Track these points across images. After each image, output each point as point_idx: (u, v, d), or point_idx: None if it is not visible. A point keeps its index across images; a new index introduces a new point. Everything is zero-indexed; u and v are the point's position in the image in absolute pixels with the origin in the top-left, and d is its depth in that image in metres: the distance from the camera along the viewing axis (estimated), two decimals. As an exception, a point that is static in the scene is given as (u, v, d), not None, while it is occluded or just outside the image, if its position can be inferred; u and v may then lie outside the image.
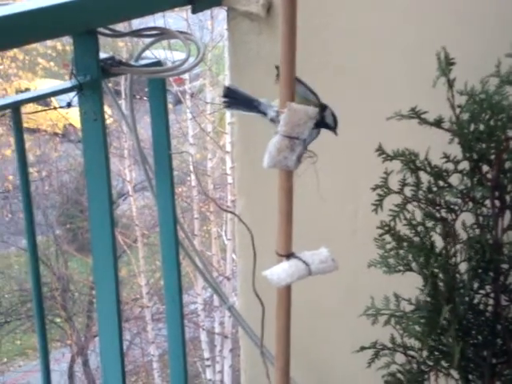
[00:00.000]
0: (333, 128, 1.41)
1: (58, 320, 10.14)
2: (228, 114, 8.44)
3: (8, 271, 10.50)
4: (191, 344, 9.59)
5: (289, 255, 1.42)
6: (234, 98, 1.45)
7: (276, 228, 1.42)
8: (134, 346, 10.11)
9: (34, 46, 10.25)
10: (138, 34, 1.88)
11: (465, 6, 1.65)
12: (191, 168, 8.99)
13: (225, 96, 1.45)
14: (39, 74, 11.48)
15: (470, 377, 1.48)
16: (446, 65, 1.39)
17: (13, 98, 1.65)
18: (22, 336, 10.28)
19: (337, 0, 1.76)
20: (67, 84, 1.66)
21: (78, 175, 10.42)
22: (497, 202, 1.43)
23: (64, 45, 10.69)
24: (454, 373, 1.48)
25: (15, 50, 9.84)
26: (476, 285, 1.47)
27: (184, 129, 9.36)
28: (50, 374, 1.77)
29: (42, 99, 1.71)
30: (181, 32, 1.81)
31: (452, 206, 1.46)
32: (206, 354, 9.18)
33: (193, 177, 9.09)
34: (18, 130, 1.64)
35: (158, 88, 1.85)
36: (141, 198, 10.04)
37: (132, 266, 9.80)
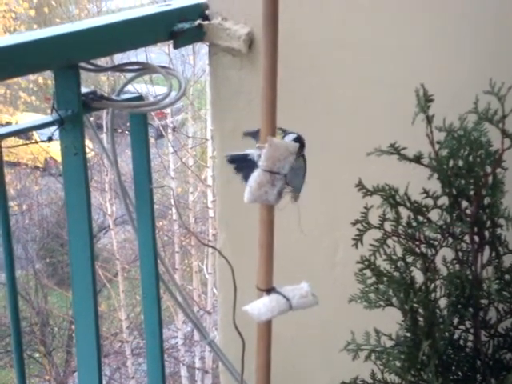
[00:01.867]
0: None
1: (36, 355, 10.03)
2: (209, 147, 8.46)
3: (-13, 305, 10.40)
4: (171, 379, 9.52)
5: (269, 290, 1.42)
6: (239, 165, 1.43)
7: (257, 262, 1.43)
8: (113, 382, 10.02)
9: (15, 80, 10.25)
10: (119, 68, 1.89)
11: (442, 43, 1.67)
12: (172, 202, 8.99)
13: (236, 170, 1.43)
14: (20, 107, 11.47)
15: (451, 412, 1.48)
16: (425, 101, 1.40)
17: (-6, 131, 1.65)
18: (0, 371, 10.16)
19: (318, 38, 1.77)
20: (48, 118, 1.66)
21: (59, 209, 10.38)
22: (476, 238, 1.44)
23: (46, 78, 10.70)
24: (435, 408, 1.48)
25: (-3, 83, 9.85)
26: (456, 320, 1.47)
27: (165, 162, 9.37)
28: (27, 410, 1.75)
29: (23, 133, 1.71)
30: (162, 67, 1.83)
31: (432, 242, 1.46)
32: (187, 390, 9.10)
33: (174, 210, 9.07)
34: (-1, 163, 1.64)
35: (139, 122, 1.86)
36: (121, 232, 10.01)
37: (112, 301, 9.73)
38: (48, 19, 11.47)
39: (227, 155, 1.44)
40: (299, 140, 1.37)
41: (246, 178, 1.40)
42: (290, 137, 1.37)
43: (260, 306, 1.41)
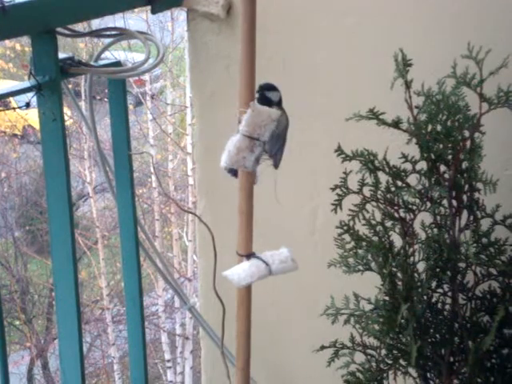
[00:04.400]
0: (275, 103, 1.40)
1: (17, 322, 10.03)
2: (189, 115, 8.43)
3: (-34, 274, 10.37)
4: (152, 346, 9.55)
5: (249, 255, 1.43)
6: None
7: (236, 228, 1.43)
8: (94, 348, 10.04)
9: (-8, 46, 10.15)
10: (97, 34, 1.87)
11: (421, 8, 1.67)
12: (152, 169, 8.96)
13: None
14: (-3, 75, 11.36)
15: (428, 375, 1.50)
16: (404, 66, 1.40)
17: (-30, 97, 1.63)
18: (-19, 339, 10.14)
19: (298, 3, 1.77)
20: (26, 84, 1.65)
21: (38, 177, 10.32)
22: (454, 202, 1.45)
23: (23, 46, 10.59)
24: (412, 371, 1.50)
25: (-27, 50, 9.74)
26: (434, 284, 1.49)
27: (144, 130, 9.32)
28: (8, 377, 1.75)
29: (1, 99, 1.70)
30: (141, 32, 1.81)
31: (410, 206, 1.47)
32: (167, 356, 9.14)
33: (153, 178, 9.05)
34: (-24, 130, 1.62)
35: (118, 89, 1.84)
36: (101, 200, 9.97)
37: (92, 268, 9.73)
38: (24, -15, 11.32)
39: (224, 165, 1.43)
40: (270, 85, 1.37)
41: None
42: (273, 94, 1.37)
43: (240, 272, 1.41)
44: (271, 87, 1.38)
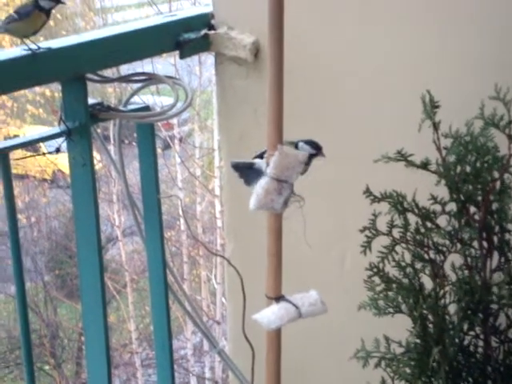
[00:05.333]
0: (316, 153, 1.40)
1: (46, 367, 10.03)
2: (217, 158, 8.47)
3: (-4, 318, 10.41)
4: (181, 390, 9.50)
5: (278, 298, 1.42)
6: (244, 171, 1.43)
7: (265, 271, 1.43)
8: (123, 393, 10.00)
9: (22, 92, 10.28)
10: (126, 79, 1.90)
11: (448, 50, 1.67)
12: (180, 212, 8.98)
13: (240, 175, 1.43)
14: (28, 120, 11.49)
15: (462, 419, 1.48)
16: (431, 108, 1.40)
17: (1, 143, 1.66)
18: (11, 384, 10.16)
19: (325, 44, 1.78)
20: (56, 129, 1.67)
21: (67, 221, 10.37)
22: (484, 243, 1.44)
23: (53, 91, 10.72)
24: (446, 415, 1.48)
25: (3, 96, 9.87)
26: (466, 326, 1.47)
27: (173, 173, 9.37)
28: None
29: (31, 145, 1.73)
30: (169, 77, 1.83)
31: (440, 248, 1.46)
32: (197, 400, 9.09)
33: (182, 221, 9.07)
34: (7, 176, 1.64)
35: (146, 133, 1.86)
36: (130, 243, 10.00)
37: (121, 312, 9.72)
38: (54, 32, 11.51)
39: (232, 161, 1.44)
40: (315, 144, 1.38)
41: (248, 182, 1.40)
42: (303, 142, 1.38)
43: (269, 315, 1.40)
44: (317, 145, 1.39)
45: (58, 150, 1.70)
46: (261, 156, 1.40)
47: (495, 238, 1.44)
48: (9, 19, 1.63)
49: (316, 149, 1.39)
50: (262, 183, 1.36)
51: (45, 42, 1.61)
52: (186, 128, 10.12)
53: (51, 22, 11.79)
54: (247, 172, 1.40)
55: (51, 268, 10.65)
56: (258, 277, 1.46)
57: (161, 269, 1.92)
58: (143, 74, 1.86)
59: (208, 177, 9.50)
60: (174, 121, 8.82)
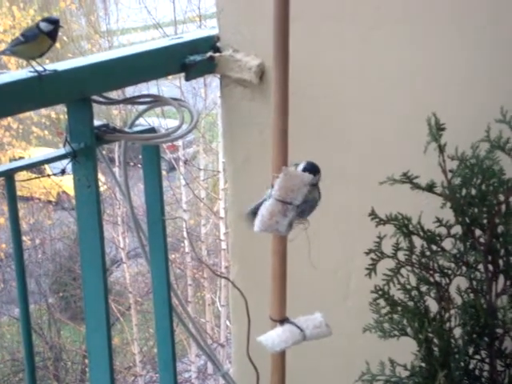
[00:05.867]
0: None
1: (50, 390, 9.99)
2: (221, 180, 8.47)
3: (0, 341, 10.37)
4: (185, 413, 9.45)
5: (283, 320, 1.42)
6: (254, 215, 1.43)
7: (270, 293, 1.42)
8: (127, 416, 9.95)
9: (27, 114, 10.30)
10: (132, 101, 1.90)
11: (454, 72, 1.67)
12: (185, 234, 8.98)
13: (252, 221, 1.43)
14: (33, 142, 11.52)
15: None
16: (437, 130, 1.41)
17: (6, 165, 1.66)
18: (14, 407, 10.12)
19: (330, 66, 1.78)
20: (61, 151, 1.67)
21: (72, 243, 10.37)
22: (490, 267, 1.43)
23: (58, 113, 10.76)
24: None
25: (9, 118, 9.91)
26: (471, 350, 1.46)
27: (177, 195, 9.38)
28: None
29: (37, 166, 1.73)
30: (174, 99, 1.84)
31: (445, 271, 1.46)
32: (201, 423, 9.04)
33: (186, 243, 9.07)
34: (12, 198, 1.64)
35: (151, 154, 1.86)
36: (134, 265, 9.99)
37: (125, 334, 9.70)
38: (60, 54, 11.56)
39: (246, 212, 1.42)
40: (313, 167, 1.37)
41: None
42: (302, 165, 1.37)
43: (274, 337, 1.40)
44: (316, 168, 1.38)
45: (63, 172, 1.70)
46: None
47: (501, 262, 1.43)
48: (15, 42, 1.64)
49: (313, 171, 1.37)
50: (266, 205, 1.35)
51: (51, 65, 1.61)
52: (191, 150, 10.14)
53: (57, 45, 11.86)
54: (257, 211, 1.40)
55: (55, 290, 10.63)
56: (262, 299, 1.46)
57: (165, 291, 1.92)
58: (149, 95, 1.86)
59: (213, 199, 9.50)
60: (179, 143, 8.84)
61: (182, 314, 2.17)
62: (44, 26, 1.62)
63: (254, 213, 1.40)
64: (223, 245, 8.67)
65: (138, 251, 8.43)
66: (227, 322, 8.45)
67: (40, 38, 1.61)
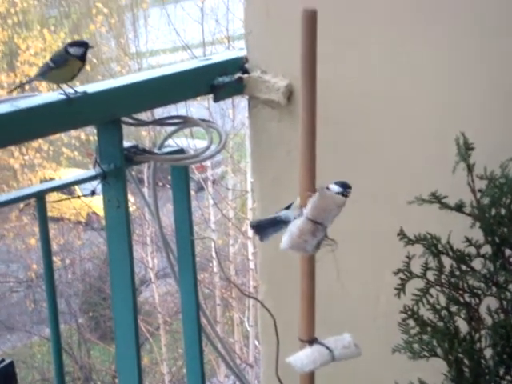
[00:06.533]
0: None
1: (79, 410, 10.01)
2: (249, 200, 8.48)
3: (31, 361, 10.41)
4: (214, 434, 9.42)
5: (312, 341, 1.42)
6: (263, 228, 1.46)
7: (298, 313, 1.42)
8: None
9: (58, 136, 10.41)
10: (161, 122, 1.92)
11: (483, 90, 1.67)
12: (213, 254, 8.99)
13: (256, 233, 1.46)
14: (63, 163, 11.63)
15: None
16: (465, 150, 1.40)
17: (38, 187, 1.67)
18: (44, 427, 10.14)
19: (358, 86, 1.78)
20: (91, 172, 1.69)
21: (101, 263, 10.43)
22: (520, 286, 1.42)
23: (87, 134, 10.86)
24: None
25: (40, 140, 10.00)
26: (502, 371, 1.45)
27: (206, 215, 9.40)
28: None
29: (67, 187, 1.74)
30: (203, 120, 1.85)
31: (475, 291, 1.45)
32: None
33: (215, 263, 9.07)
34: (43, 218, 1.66)
35: (180, 175, 1.87)
36: (163, 285, 10.01)
37: (154, 354, 9.71)
38: (90, 76, 11.68)
39: (252, 221, 1.45)
40: (345, 185, 1.38)
41: (266, 237, 1.43)
42: (334, 185, 1.38)
43: (303, 358, 1.40)
44: (347, 185, 1.39)
45: (93, 193, 1.71)
46: (287, 208, 1.42)
47: (531, 281, 1.42)
48: (46, 67, 1.65)
49: (345, 187, 1.38)
50: (297, 223, 1.36)
51: (81, 87, 1.63)
52: (220, 170, 10.18)
53: (87, 67, 11.97)
54: (266, 228, 1.43)
55: (85, 310, 10.67)
56: (291, 319, 1.45)
57: (194, 311, 1.92)
58: (178, 117, 1.88)
59: (241, 219, 9.51)
60: (208, 163, 8.87)
61: (211, 334, 2.17)
62: (73, 50, 1.63)
63: (258, 226, 1.42)
64: (251, 264, 8.67)
65: (166, 271, 8.45)
66: (256, 342, 8.44)
67: (70, 61, 1.63)
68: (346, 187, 1.39)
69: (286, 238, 1.37)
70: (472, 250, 1.45)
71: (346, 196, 1.38)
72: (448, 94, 1.70)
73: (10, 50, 11.85)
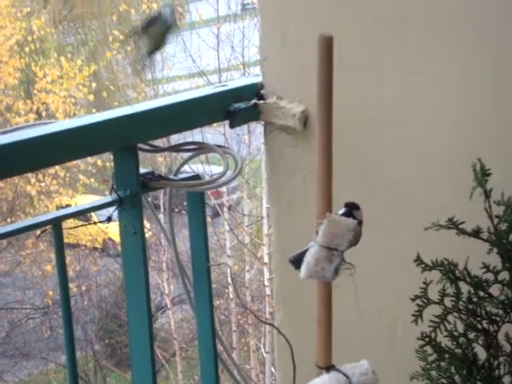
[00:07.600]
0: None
1: None
2: (265, 225, 8.47)
3: (46, 388, 10.41)
4: None
5: (329, 368, 1.41)
6: (301, 261, 1.43)
7: (315, 340, 1.41)
8: None
9: (74, 163, 10.46)
10: (177, 148, 1.92)
11: (499, 116, 1.67)
12: (229, 280, 8.97)
13: (296, 268, 1.43)
14: (80, 190, 11.67)
15: None
16: (482, 175, 1.40)
17: (54, 213, 1.68)
18: None
19: (373, 112, 1.79)
20: (107, 199, 1.69)
21: (117, 289, 10.42)
22: (539, 313, 1.41)
23: (104, 161, 10.90)
24: None
25: (56, 167, 10.05)
26: (521, 398, 1.44)
27: (222, 241, 9.39)
28: None
29: (83, 214, 1.74)
30: (219, 146, 1.85)
31: (493, 317, 1.44)
32: None
33: (230, 289, 9.05)
34: (59, 245, 1.66)
35: (196, 201, 1.87)
36: (179, 311, 10.00)
37: (170, 381, 9.67)
38: (107, 103, 11.75)
39: (290, 257, 1.43)
40: (353, 206, 1.38)
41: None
42: (343, 209, 1.38)
43: (320, 385, 1.39)
44: (357, 206, 1.39)
45: (109, 219, 1.72)
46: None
47: (550, 308, 1.41)
48: None
49: (353, 209, 1.38)
50: (312, 252, 1.36)
51: (97, 114, 1.64)
52: (235, 196, 10.18)
53: (104, 94, 12.07)
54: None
55: (101, 337, 10.66)
56: (307, 345, 1.45)
57: (210, 337, 1.91)
58: (193, 143, 1.88)
59: (257, 244, 9.49)
60: (223, 189, 8.88)
61: (227, 360, 2.16)
62: None
63: (297, 260, 1.40)
64: (267, 291, 8.64)
65: (182, 297, 8.44)
66: (272, 369, 8.39)
67: None
68: (354, 208, 1.38)
69: (303, 267, 1.36)
70: (490, 276, 1.44)
71: (355, 218, 1.37)
72: (463, 118, 1.70)
73: (27, 77, 11.95)
